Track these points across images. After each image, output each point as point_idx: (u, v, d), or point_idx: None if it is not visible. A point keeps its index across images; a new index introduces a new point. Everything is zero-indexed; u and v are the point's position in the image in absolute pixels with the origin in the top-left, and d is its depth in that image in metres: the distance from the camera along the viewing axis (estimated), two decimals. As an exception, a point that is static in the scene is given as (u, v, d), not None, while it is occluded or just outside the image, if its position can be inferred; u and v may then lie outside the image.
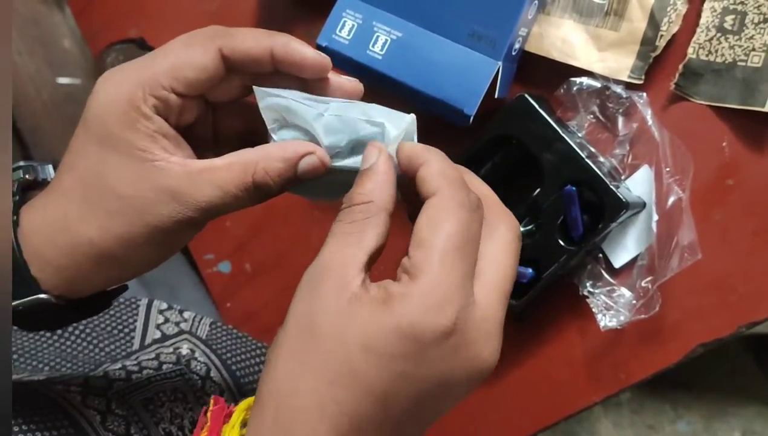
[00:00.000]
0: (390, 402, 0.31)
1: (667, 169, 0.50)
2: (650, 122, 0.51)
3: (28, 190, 0.41)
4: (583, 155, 0.49)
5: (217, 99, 0.40)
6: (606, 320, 0.52)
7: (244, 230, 0.68)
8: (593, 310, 0.52)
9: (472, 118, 0.50)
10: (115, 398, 0.51)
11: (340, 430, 0.31)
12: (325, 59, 0.38)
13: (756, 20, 0.48)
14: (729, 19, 0.49)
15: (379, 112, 0.37)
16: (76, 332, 0.62)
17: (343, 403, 0.31)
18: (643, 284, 0.51)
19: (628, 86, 0.51)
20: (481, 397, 0.60)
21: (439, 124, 0.53)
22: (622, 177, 0.52)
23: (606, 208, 0.49)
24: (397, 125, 0.36)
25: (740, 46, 0.48)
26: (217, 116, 0.42)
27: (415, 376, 0.31)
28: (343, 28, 0.53)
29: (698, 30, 0.49)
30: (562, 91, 0.52)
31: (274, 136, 0.38)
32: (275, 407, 0.32)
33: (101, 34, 0.74)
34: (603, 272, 0.53)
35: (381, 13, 0.52)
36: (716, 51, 0.49)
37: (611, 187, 0.48)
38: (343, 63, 0.53)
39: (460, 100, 0.50)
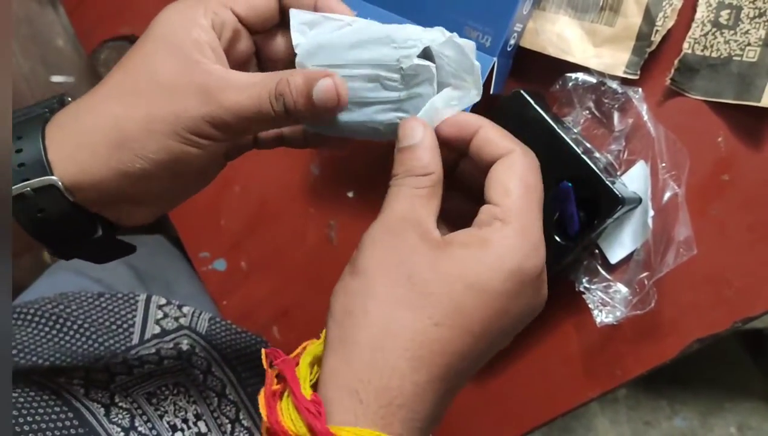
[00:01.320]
0: (483, 337, 0.34)
1: (663, 164, 0.50)
2: (646, 118, 0.51)
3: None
4: (579, 151, 0.49)
5: (266, 51, 0.44)
6: (602, 316, 0.52)
7: (240, 227, 0.68)
8: (589, 306, 0.52)
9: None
10: (118, 391, 0.51)
11: (435, 370, 0.33)
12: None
13: (751, 15, 0.48)
14: (724, 13, 0.49)
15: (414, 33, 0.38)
16: (74, 326, 0.62)
17: (447, 342, 0.33)
18: (639, 280, 0.51)
19: (624, 82, 0.51)
20: (477, 394, 0.60)
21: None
22: (618, 173, 0.52)
23: (602, 204, 0.49)
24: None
25: (736, 41, 0.48)
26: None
27: (510, 312, 0.35)
28: None
29: (693, 25, 0.49)
30: (557, 86, 0.52)
31: (298, 55, 0.40)
32: (369, 351, 0.32)
33: (94, 31, 0.73)
34: (599, 267, 0.53)
35: (374, 9, 0.52)
36: (712, 46, 0.49)
37: (607, 182, 0.48)
38: None
39: None
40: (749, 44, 0.48)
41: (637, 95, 0.51)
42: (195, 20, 0.39)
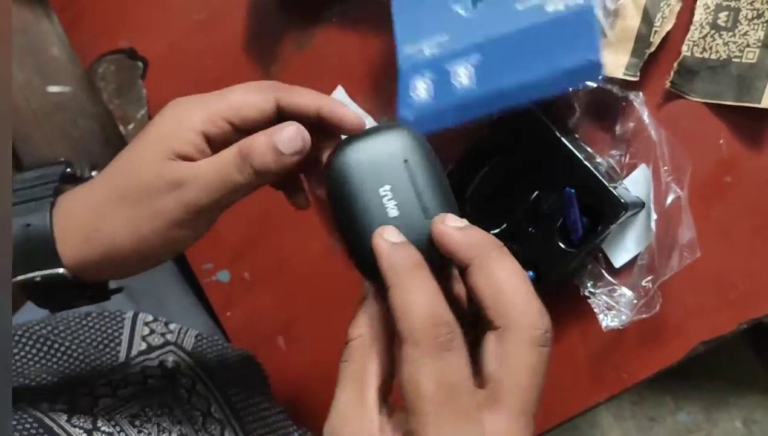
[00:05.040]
0: None
1: (665, 167, 0.50)
2: (647, 121, 0.50)
3: (68, 182, 0.45)
4: (581, 157, 0.49)
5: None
6: (608, 320, 0.52)
7: (242, 238, 0.68)
8: (595, 310, 0.52)
9: (603, 67, 0.45)
10: (101, 415, 0.51)
11: None
12: (361, 121, 0.42)
13: (749, 16, 0.48)
14: (722, 15, 0.49)
15: None
16: (62, 348, 0.62)
17: None
18: (643, 284, 0.51)
19: (624, 85, 0.51)
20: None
21: (436, 135, 0.53)
22: (620, 177, 0.52)
23: (605, 210, 0.49)
24: None
25: (734, 43, 0.48)
26: None
27: None
28: (417, 89, 0.49)
29: (692, 27, 0.49)
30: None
31: None
32: None
33: (91, 45, 0.73)
34: (603, 272, 0.53)
35: (445, 52, 0.48)
36: (710, 48, 0.49)
37: (609, 188, 0.48)
38: (441, 117, 0.49)
39: (581, 55, 0.45)
40: (748, 46, 0.48)
41: (637, 99, 0.50)
42: (190, 127, 0.41)
